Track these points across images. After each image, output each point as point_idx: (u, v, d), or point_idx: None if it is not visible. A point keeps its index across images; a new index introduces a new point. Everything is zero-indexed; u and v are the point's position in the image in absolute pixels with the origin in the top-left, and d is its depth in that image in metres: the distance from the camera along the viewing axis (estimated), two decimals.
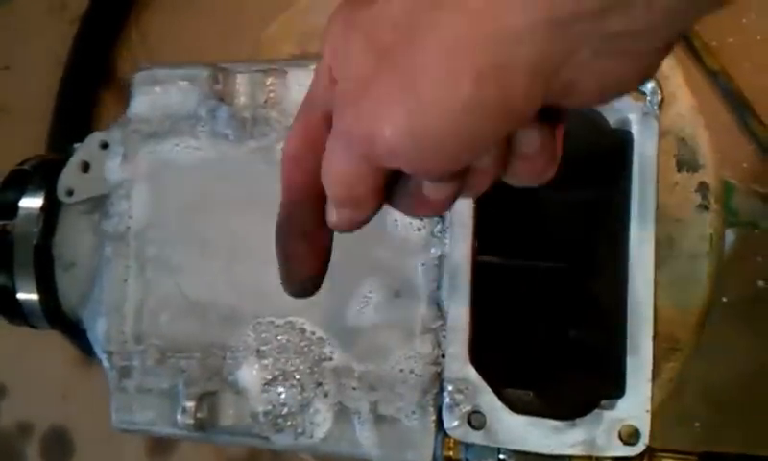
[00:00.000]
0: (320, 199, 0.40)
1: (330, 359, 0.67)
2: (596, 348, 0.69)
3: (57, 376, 1.54)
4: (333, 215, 0.39)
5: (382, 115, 0.33)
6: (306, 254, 0.41)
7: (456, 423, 0.63)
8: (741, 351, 1.31)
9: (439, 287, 0.65)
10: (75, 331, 0.78)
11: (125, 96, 0.75)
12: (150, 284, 0.72)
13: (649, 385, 0.59)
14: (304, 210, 0.41)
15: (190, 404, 0.66)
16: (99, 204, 0.74)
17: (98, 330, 0.73)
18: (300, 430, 0.67)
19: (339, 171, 0.37)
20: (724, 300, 1.26)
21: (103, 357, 0.73)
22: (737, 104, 1.22)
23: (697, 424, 1.65)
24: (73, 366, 1.53)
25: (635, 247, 0.61)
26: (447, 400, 0.63)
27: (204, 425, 0.66)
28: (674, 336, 0.72)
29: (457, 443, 0.64)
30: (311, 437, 0.67)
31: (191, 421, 0.65)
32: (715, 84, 1.23)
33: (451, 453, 0.64)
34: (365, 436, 0.66)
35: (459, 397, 0.63)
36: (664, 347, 0.71)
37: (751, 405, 1.52)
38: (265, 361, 0.68)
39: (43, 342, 1.49)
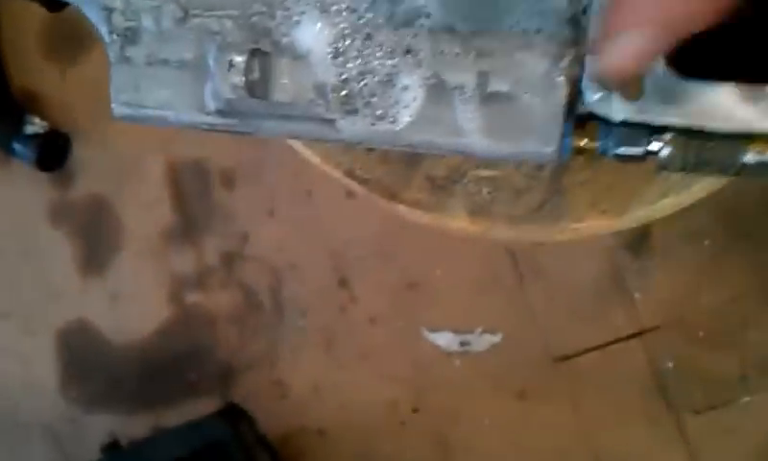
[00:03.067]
0: None
1: (426, 16, 0.54)
2: None
3: None
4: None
5: None
6: None
7: (599, 96, 0.52)
8: None
9: None
10: None
11: None
12: None
13: None
14: None
15: (240, 59, 0.52)
16: None
17: None
18: (379, 112, 0.55)
19: None
20: None
21: (99, 17, 0.58)
22: None
23: (707, 242, 1.63)
24: None
25: None
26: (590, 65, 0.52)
27: (257, 92, 0.53)
28: None
29: (594, 127, 0.54)
30: (394, 121, 0.55)
31: (240, 78, 0.52)
32: None
33: (584, 142, 0.54)
34: (468, 119, 0.54)
35: None
36: None
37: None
38: (335, 17, 0.55)
39: None
